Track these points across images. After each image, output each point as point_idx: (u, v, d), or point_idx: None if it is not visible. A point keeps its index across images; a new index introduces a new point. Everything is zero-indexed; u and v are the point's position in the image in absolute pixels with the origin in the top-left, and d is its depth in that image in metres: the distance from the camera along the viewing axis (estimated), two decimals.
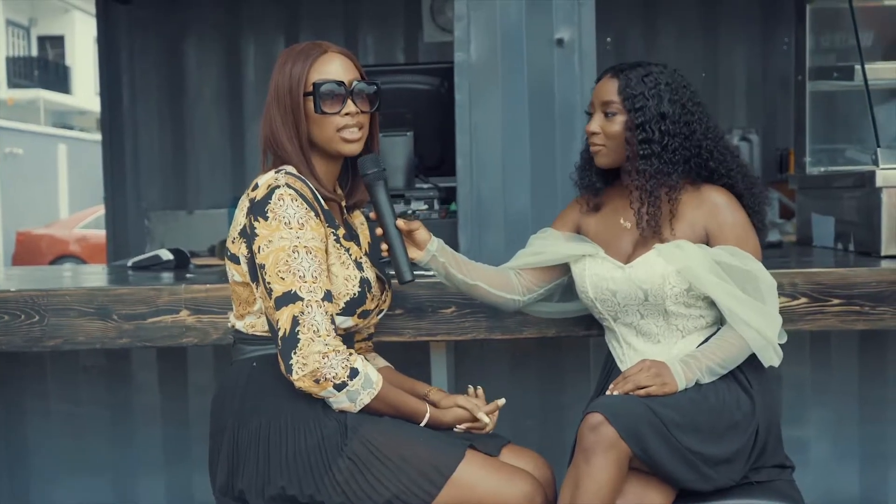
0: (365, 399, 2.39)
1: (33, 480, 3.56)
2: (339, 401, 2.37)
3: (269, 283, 2.36)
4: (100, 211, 11.98)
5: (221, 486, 2.48)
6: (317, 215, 2.41)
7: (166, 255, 3.61)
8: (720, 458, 2.50)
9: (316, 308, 2.34)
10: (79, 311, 2.91)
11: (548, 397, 3.52)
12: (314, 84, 2.45)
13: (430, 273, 2.67)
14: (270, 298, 2.36)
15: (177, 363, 3.55)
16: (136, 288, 2.95)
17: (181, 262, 3.62)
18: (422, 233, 2.59)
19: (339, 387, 2.35)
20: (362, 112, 2.49)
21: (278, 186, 2.38)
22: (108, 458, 3.57)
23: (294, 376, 2.33)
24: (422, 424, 2.49)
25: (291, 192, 2.38)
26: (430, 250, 2.61)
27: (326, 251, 2.43)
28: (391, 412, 2.44)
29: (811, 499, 2.96)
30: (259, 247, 2.38)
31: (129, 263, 3.69)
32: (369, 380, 2.39)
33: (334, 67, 2.48)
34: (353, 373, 2.36)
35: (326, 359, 2.32)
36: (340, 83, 2.46)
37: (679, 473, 2.46)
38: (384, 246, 2.53)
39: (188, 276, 3.31)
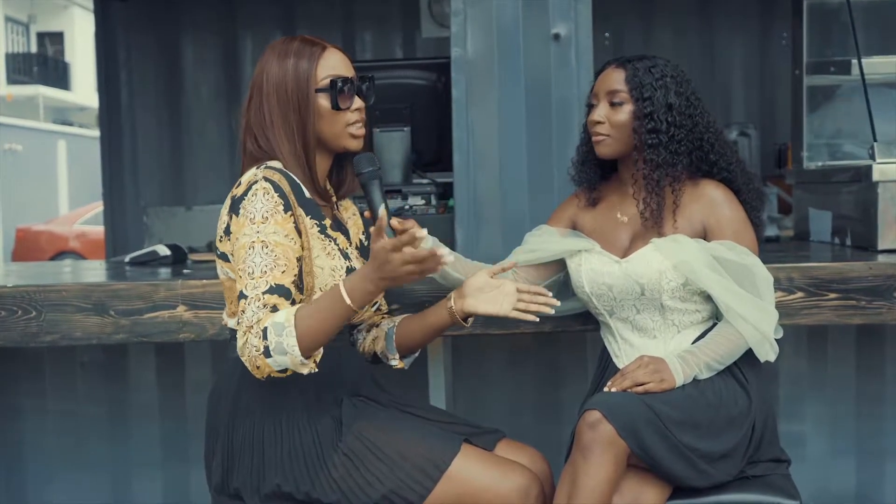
0: (291, 342, 2.26)
1: (29, 477, 3.56)
2: (281, 363, 2.26)
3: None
4: (99, 207, 11.95)
5: (217, 485, 2.48)
6: (287, 207, 2.36)
7: (163, 250, 3.61)
8: (718, 454, 2.50)
9: (253, 303, 2.28)
10: (76, 306, 2.90)
11: (545, 392, 3.52)
12: (332, 80, 2.44)
13: None
14: None
15: (174, 359, 3.55)
16: (133, 283, 2.94)
17: (178, 258, 3.62)
18: (416, 231, 2.58)
19: (266, 352, 2.26)
20: (366, 107, 2.50)
21: (256, 181, 2.37)
22: (105, 454, 3.57)
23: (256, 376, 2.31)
24: (346, 301, 2.29)
25: (266, 185, 2.35)
26: (424, 248, 2.60)
27: (305, 245, 2.40)
28: (323, 321, 2.28)
29: (807, 493, 2.97)
30: (233, 243, 2.38)
31: (127, 259, 3.69)
32: (278, 324, 2.26)
33: (339, 63, 2.48)
34: (265, 332, 2.26)
35: (247, 346, 2.27)
36: (351, 80, 2.47)
37: (677, 470, 2.46)
38: None
39: (185, 271, 3.31)
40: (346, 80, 2.46)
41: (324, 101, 2.45)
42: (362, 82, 2.50)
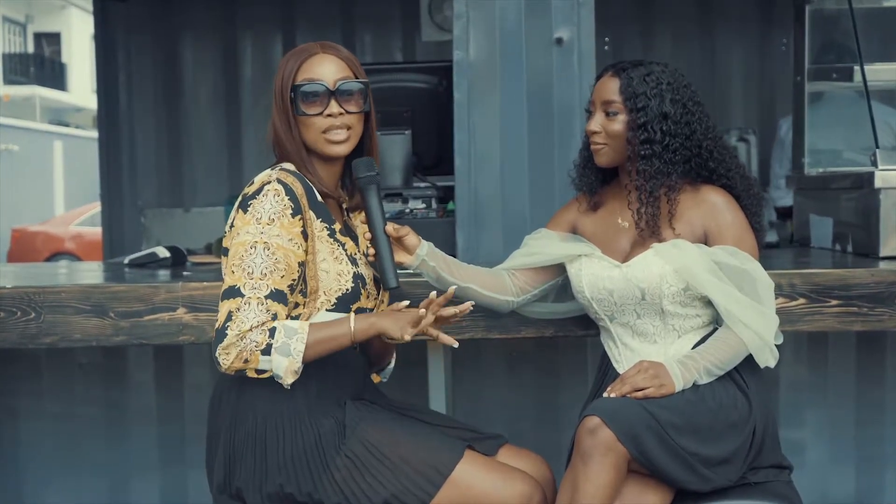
0: (299, 346, 2.31)
1: (27, 479, 3.54)
2: (277, 363, 2.31)
3: (224, 275, 2.36)
4: (96, 208, 11.96)
5: (219, 485, 2.48)
6: (296, 212, 2.37)
7: (163, 252, 3.59)
8: (718, 459, 2.49)
9: (255, 305, 2.30)
10: (75, 308, 2.89)
11: (545, 397, 3.51)
12: (294, 86, 2.45)
13: (421, 276, 2.67)
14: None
15: (173, 361, 3.54)
16: (133, 285, 2.93)
17: (178, 260, 3.61)
18: (411, 238, 2.58)
19: (266, 350, 2.30)
20: (348, 113, 2.46)
21: (269, 182, 2.38)
22: (103, 456, 3.55)
23: (222, 368, 2.31)
24: (350, 329, 2.37)
25: (279, 187, 2.37)
26: (419, 255, 2.59)
27: (310, 249, 2.40)
28: (326, 345, 2.36)
29: (808, 500, 2.96)
30: (232, 237, 2.38)
31: (126, 261, 3.67)
32: (290, 328, 2.32)
33: (321, 68, 2.46)
34: (272, 331, 2.31)
35: (244, 339, 2.29)
36: (322, 84, 2.44)
37: (677, 475, 2.46)
38: (371, 251, 2.51)
39: (185, 273, 3.30)
40: (314, 84, 2.43)
41: (295, 106, 2.45)
42: (346, 93, 2.45)
